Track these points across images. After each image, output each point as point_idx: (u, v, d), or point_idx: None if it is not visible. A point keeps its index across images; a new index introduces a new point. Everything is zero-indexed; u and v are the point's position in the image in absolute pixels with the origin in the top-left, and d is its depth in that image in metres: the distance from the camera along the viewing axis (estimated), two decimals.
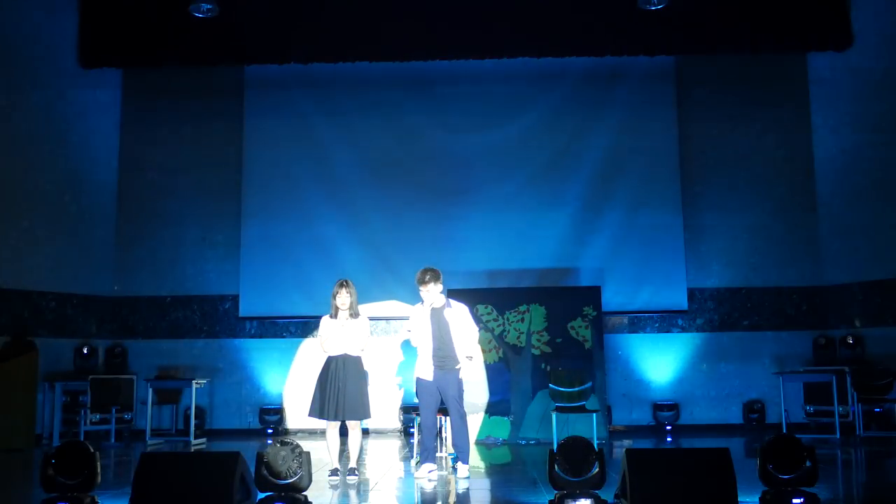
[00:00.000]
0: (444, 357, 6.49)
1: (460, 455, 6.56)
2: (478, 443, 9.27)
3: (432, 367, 6.49)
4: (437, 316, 6.55)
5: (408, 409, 9.98)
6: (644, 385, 10.66)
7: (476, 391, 9.46)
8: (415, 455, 7.55)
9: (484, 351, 9.56)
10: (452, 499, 5.70)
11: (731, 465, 4.56)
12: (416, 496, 5.85)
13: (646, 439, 9.61)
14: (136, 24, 10.34)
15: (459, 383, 6.53)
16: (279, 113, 11.16)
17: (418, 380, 6.60)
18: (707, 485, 4.52)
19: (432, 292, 6.51)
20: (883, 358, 9.88)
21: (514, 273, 10.68)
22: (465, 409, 8.72)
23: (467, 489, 6.06)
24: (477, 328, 6.98)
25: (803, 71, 11.11)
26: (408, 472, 7.00)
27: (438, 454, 7.53)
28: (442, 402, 6.61)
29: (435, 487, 6.11)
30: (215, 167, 11.23)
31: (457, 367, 6.51)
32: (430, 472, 6.45)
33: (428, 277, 6.50)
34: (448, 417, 6.99)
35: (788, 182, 10.99)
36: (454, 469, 6.70)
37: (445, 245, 10.71)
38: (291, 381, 10.76)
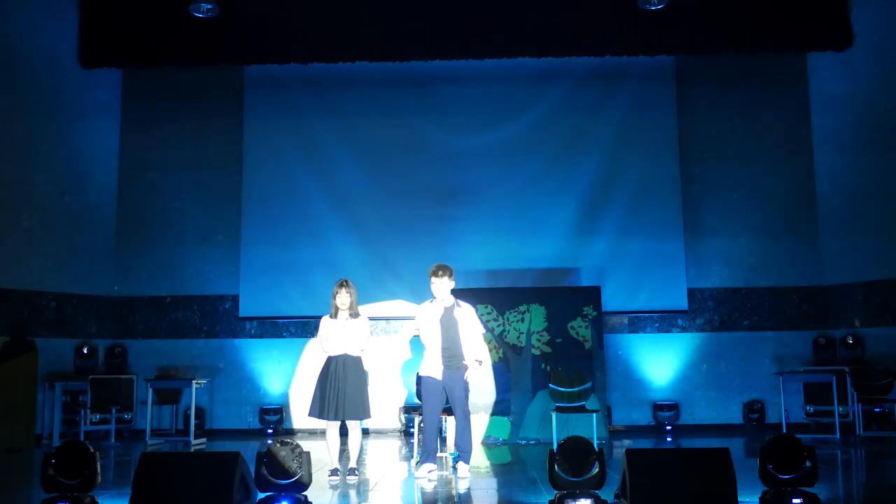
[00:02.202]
0: (453, 356, 6.48)
1: (462, 455, 6.56)
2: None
3: (441, 367, 6.47)
4: (446, 315, 6.55)
5: (408, 409, 9.99)
6: (644, 385, 10.66)
7: (481, 392, 9.46)
8: (415, 455, 7.54)
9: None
10: (454, 499, 5.70)
11: (731, 465, 4.55)
12: (417, 496, 5.85)
13: (646, 439, 9.61)
14: (136, 24, 10.34)
15: (466, 383, 6.53)
16: (279, 113, 11.16)
17: (425, 378, 6.57)
18: (707, 485, 4.52)
19: (442, 286, 6.51)
20: (883, 358, 9.88)
21: (514, 273, 10.68)
22: (469, 409, 8.73)
23: (468, 489, 6.05)
24: (483, 329, 6.97)
25: (803, 71, 11.11)
26: (408, 472, 7.00)
27: (439, 454, 7.53)
28: (446, 402, 6.60)
29: (435, 487, 6.10)
30: (215, 167, 11.23)
31: (463, 364, 6.48)
32: (430, 472, 6.45)
33: (441, 271, 6.54)
34: (449, 417, 6.98)
35: (788, 182, 10.99)
36: (454, 469, 6.69)
37: (445, 245, 10.71)
38: (292, 381, 10.76)
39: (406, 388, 10.47)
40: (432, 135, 11.07)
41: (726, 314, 10.84)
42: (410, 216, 10.87)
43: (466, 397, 6.56)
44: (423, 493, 5.89)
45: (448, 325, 6.52)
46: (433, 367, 6.51)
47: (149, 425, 9.60)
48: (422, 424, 6.70)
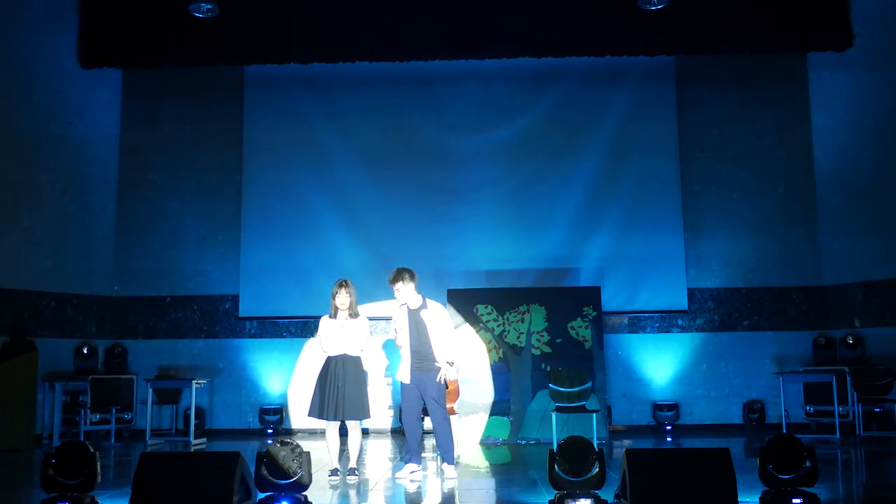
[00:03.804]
0: (423, 358, 6.43)
1: (444, 456, 6.53)
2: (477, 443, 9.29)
3: (410, 369, 6.44)
4: (414, 317, 6.50)
5: None
6: (644, 385, 10.66)
7: (481, 392, 9.47)
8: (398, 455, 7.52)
9: (486, 351, 9.58)
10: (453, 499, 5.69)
11: (731, 465, 4.55)
12: (421, 496, 5.84)
13: (646, 439, 9.60)
14: (136, 25, 10.34)
15: (438, 384, 6.48)
16: (279, 113, 11.16)
17: (400, 382, 6.56)
18: (707, 485, 4.52)
19: (402, 292, 6.49)
20: (883, 358, 9.88)
21: (514, 273, 10.67)
22: (466, 410, 8.72)
23: (453, 488, 6.04)
24: (452, 329, 6.90)
25: (803, 71, 11.11)
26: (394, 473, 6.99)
27: (427, 454, 7.49)
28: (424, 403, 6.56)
29: (419, 487, 6.09)
30: (215, 167, 11.23)
31: (436, 367, 6.43)
32: (412, 472, 6.42)
33: (396, 278, 6.50)
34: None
35: (788, 182, 10.99)
36: (442, 470, 6.68)
37: (445, 245, 10.72)
38: (291, 381, 10.76)
39: (388, 386, 10.48)
40: (432, 135, 11.07)
41: (726, 314, 10.84)
42: (410, 216, 10.87)
43: (441, 398, 6.48)
44: (408, 494, 5.87)
45: (417, 328, 6.47)
46: (404, 371, 6.48)
47: (149, 425, 9.60)
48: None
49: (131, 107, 11.38)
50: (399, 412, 10.25)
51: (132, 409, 10.10)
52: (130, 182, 11.26)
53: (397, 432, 10.31)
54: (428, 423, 6.84)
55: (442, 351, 6.47)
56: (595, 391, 9.00)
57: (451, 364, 6.49)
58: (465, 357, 9.34)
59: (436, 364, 6.44)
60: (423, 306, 6.55)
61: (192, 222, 11.15)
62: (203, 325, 11.03)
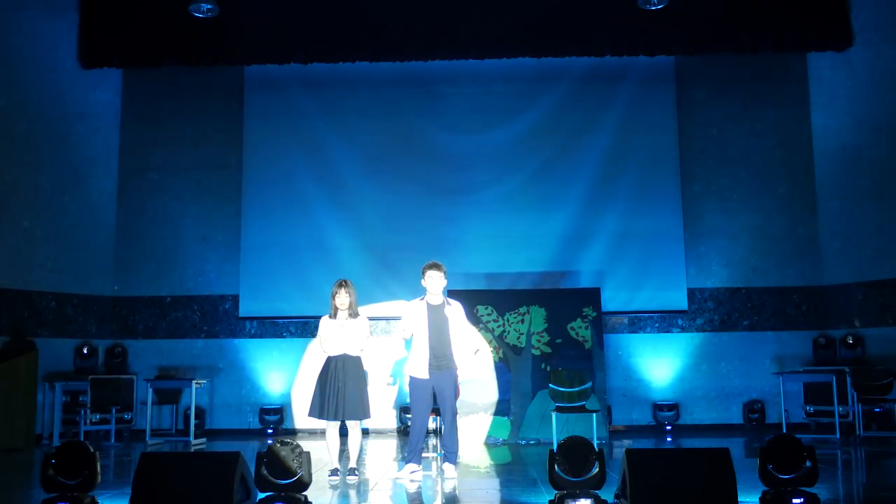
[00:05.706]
0: (442, 356, 6.37)
1: (448, 456, 6.51)
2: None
3: (429, 366, 6.36)
4: (435, 313, 6.43)
5: (406, 409, 9.98)
6: (644, 385, 10.66)
7: (483, 392, 9.46)
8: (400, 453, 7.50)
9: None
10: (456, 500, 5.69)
11: (731, 465, 4.56)
12: (422, 496, 5.84)
13: (646, 439, 9.61)
14: (136, 25, 10.34)
15: (456, 384, 6.48)
16: (279, 113, 11.16)
17: (412, 378, 6.45)
18: (707, 485, 4.52)
19: (439, 280, 6.42)
20: (883, 358, 9.88)
21: (514, 274, 10.68)
22: (467, 410, 8.72)
23: (454, 489, 6.03)
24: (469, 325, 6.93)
25: (803, 71, 11.11)
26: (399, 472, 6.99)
27: (426, 454, 7.47)
28: (434, 402, 6.53)
29: (419, 487, 6.09)
30: (215, 167, 11.23)
31: (453, 365, 6.43)
32: (412, 472, 6.39)
33: (438, 265, 6.45)
34: (439, 417, 6.91)
35: (788, 182, 10.99)
36: (441, 470, 6.67)
37: (445, 246, 10.69)
38: (292, 381, 10.76)
39: (393, 385, 10.47)
40: (432, 135, 11.07)
41: (726, 314, 10.84)
42: (410, 216, 10.87)
43: (455, 398, 6.50)
44: (408, 494, 5.87)
45: (438, 324, 6.40)
46: (420, 367, 6.38)
47: (149, 425, 9.60)
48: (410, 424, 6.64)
49: (131, 107, 11.38)
50: (401, 411, 10.33)
51: (132, 409, 10.10)
52: (130, 182, 11.27)
53: (398, 432, 10.32)
54: (431, 423, 6.82)
55: (465, 343, 6.46)
56: (595, 391, 9.00)
57: (477, 351, 6.48)
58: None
59: (453, 363, 6.41)
60: (447, 303, 6.51)
61: (192, 222, 11.15)
62: (203, 325, 11.03)
